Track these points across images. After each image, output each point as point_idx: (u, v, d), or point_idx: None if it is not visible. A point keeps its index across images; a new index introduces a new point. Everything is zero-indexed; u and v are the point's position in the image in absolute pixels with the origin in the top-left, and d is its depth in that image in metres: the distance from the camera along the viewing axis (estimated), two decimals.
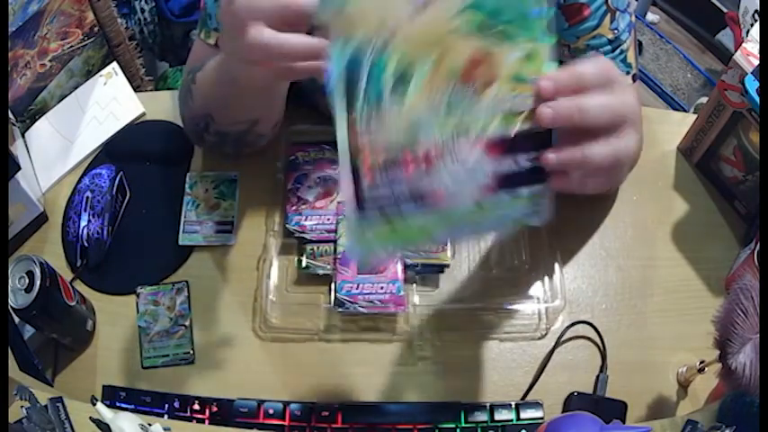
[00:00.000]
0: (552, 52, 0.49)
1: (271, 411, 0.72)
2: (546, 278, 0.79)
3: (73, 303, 0.74)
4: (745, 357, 0.57)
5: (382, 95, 0.46)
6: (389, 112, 0.47)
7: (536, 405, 0.73)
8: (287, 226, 0.80)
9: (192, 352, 0.78)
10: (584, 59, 0.52)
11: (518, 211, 0.50)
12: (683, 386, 0.76)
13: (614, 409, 0.74)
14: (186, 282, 0.81)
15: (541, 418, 0.73)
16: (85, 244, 0.82)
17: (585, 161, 0.50)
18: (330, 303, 0.75)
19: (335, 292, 0.75)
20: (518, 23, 0.48)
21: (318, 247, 0.78)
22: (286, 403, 0.73)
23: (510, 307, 0.78)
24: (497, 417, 0.72)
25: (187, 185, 0.87)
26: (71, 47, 1.01)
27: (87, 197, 0.84)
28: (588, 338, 0.79)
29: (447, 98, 0.47)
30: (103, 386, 0.75)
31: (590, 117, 0.49)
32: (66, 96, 0.97)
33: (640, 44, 1.98)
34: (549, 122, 0.49)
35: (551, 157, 0.49)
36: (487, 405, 0.73)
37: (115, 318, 0.80)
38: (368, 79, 0.46)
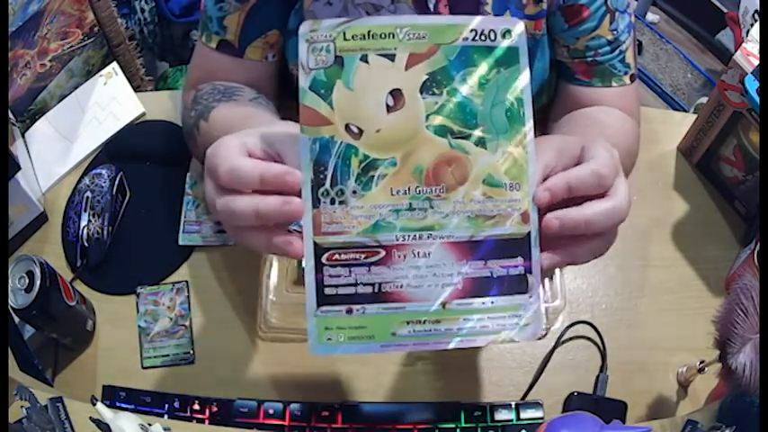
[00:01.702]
0: (534, 155, 0.48)
1: (271, 411, 0.72)
2: (546, 278, 0.79)
3: (73, 303, 0.74)
4: (745, 357, 0.57)
5: (346, 192, 0.47)
6: (352, 208, 0.47)
7: (536, 405, 0.73)
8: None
9: (191, 352, 0.78)
10: (581, 165, 0.49)
11: (497, 322, 0.48)
12: (683, 386, 0.76)
13: (614, 409, 0.74)
14: (186, 282, 0.82)
15: (541, 418, 0.73)
16: (85, 244, 0.82)
17: (576, 262, 0.50)
18: None
19: None
20: (493, 128, 0.48)
21: None
22: (286, 403, 0.73)
23: None
24: (497, 417, 0.72)
25: (187, 185, 0.87)
26: (71, 47, 1.01)
27: (87, 197, 0.84)
28: (588, 338, 0.79)
29: (411, 196, 0.47)
30: (103, 386, 0.75)
31: (595, 227, 0.48)
32: (66, 96, 0.97)
33: (640, 44, 1.98)
34: (554, 233, 0.48)
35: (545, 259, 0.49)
36: (487, 405, 0.73)
37: (115, 318, 0.80)
38: (333, 175, 0.47)
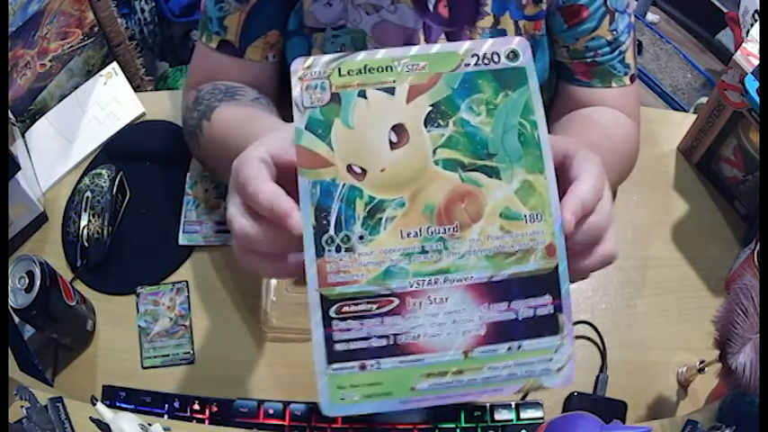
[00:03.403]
0: (554, 181, 0.45)
1: (271, 411, 0.72)
2: None
3: (73, 303, 0.74)
4: (745, 357, 0.58)
5: (352, 238, 0.44)
6: (360, 255, 0.43)
7: (536, 405, 0.73)
8: None
9: (191, 352, 0.78)
10: (580, 181, 0.47)
11: (525, 368, 0.44)
12: (683, 386, 0.76)
13: (614, 409, 0.74)
14: (186, 282, 0.82)
15: (541, 418, 0.73)
16: (85, 244, 0.82)
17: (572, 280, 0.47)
18: None
19: None
20: (507, 156, 0.45)
21: None
22: (286, 403, 0.73)
23: None
24: (497, 417, 0.72)
25: (187, 185, 0.87)
26: (71, 47, 1.01)
27: (87, 197, 0.84)
28: (588, 338, 0.79)
29: (423, 238, 0.44)
30: (103, 386, 0.75)
31: (573, 245, 0.46)
32: (66, 96, 0.97)
33: (640, 44, 1.98)
34: None
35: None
36: (487, 405, 0.73)
37: (115, 318, 0.80)
38: (337, 220, 0.44)
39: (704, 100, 1.33)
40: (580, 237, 0.46)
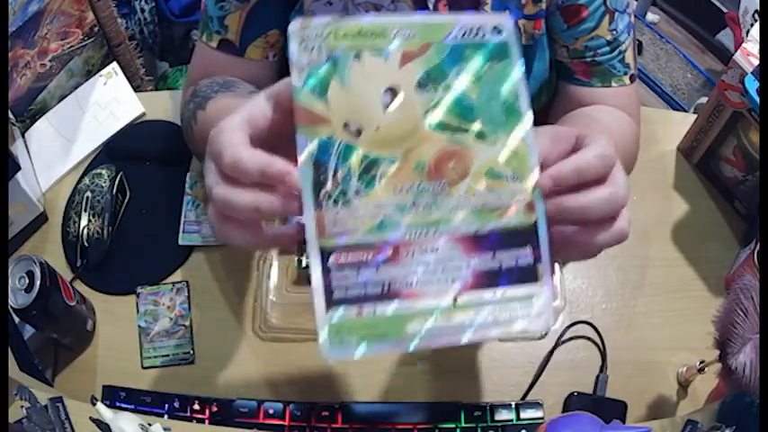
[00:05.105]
0: (534, 146, 0.49)
1: (271, 411, 0.72)
2: None
3: (73, 303, 0.74)
4: (745, 357, 0.58)
5: (349, 192, 0.46)
6: (356, 208, 0.46)
7: (536, 405, 0.73)
8: None
9: (191, 352, 0.78)
10: (584, 149, 0.48)
11: (508, 313, 0.48)
12: (683, 386, 0.76)
13: (614, 409, 0.74)
14: (186, 282, 0.82)
15: (541, 418, 0.73)
16: (85, 244, 0.82)
17: (583, 255, 0.50)
18: None
19: None
20: (491, 122, 0.49)
21: None
22: (286, 403, 0.73)
23: None
24: (497, 417, 0.72)
25: (187, 185, 0.87)
26: (71, 47, 1.01)
27: (87, 197, 0.84)
28: (588, 338, 0.79)
29: (414, 193, 0.47)
30: (103, 386, 0.75)
31: (592, 214, 0.48)
32: (66, 96, 0.97)
33: (640, 44, 1.98)
34: (551, 220, 0.48)
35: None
36: (487, 405, 0.73)
37: (115, 318, 0.80)
38: (334, 175, 0.46)
39: (704, 100, 1.34)
40: (599, 209, 0.48)
